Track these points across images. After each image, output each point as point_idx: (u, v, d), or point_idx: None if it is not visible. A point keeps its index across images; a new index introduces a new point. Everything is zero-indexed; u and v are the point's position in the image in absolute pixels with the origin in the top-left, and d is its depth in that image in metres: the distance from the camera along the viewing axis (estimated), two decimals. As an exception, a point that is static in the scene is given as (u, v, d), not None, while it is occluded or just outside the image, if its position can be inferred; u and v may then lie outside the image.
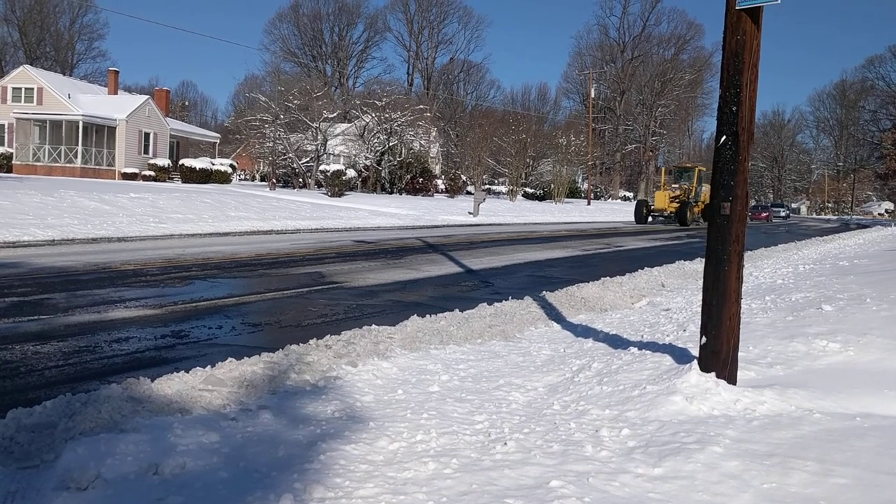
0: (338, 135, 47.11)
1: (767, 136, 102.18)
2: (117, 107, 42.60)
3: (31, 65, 48.10)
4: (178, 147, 48.56)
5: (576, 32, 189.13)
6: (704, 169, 39.40)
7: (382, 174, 46.72)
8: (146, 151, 43.66)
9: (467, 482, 2.94)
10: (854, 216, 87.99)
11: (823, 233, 31.46)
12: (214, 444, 3.23)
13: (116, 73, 47.67)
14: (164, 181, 39.52)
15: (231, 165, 44.30)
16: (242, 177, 62.60)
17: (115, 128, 41.66)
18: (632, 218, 38.25)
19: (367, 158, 45.17)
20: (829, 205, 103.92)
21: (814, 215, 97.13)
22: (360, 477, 2.97)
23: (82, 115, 39.51)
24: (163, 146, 45.39)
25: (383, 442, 3.37)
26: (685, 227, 33.43)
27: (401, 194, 45.00)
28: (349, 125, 49.29)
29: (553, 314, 7.19)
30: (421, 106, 51.00)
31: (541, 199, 57.75)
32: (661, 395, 3.89)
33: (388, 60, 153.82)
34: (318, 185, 40.37)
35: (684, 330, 5.82)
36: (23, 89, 41.16)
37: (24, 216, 15.68)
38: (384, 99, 44.79)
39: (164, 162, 42.48)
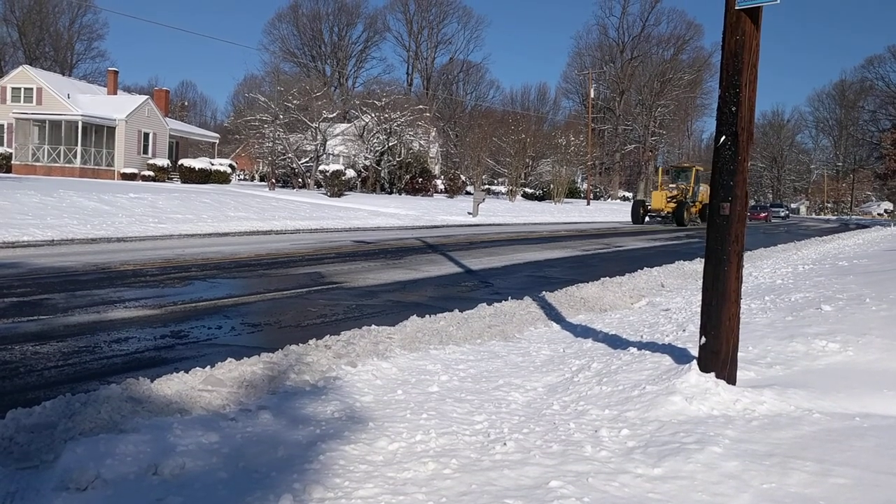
0: (337, 135, 47.11)
1: (767, 136, 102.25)
2: (117, 107, 42.60)
3: (31, 65, 48.10)
4: (178, 147, 48.56)
5: (575, 32, 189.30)
6: (702, 169, 39.26)
7: (382, 174, 46.72)
8: (145, 151, 43.66)
9: (467, 482, 2.93)
10: (853, 216, 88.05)
11: (823, 233, 31.47)
12: (214, 445, 3.22)
13: (116, 73, 47.66)
14: (164, 181, 39.51)
15: (230, 165, 44.30)
16: (242, 177, 62.61)
17: (114, 128, 41.66)
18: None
19: (366, 158, 45.17)
20: (829, 205, 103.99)
21: (813, 215, 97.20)
22: (360, 477, 2.97)
23: (81, 116, 39.51)
24: (162, 146, 45.39)
25: (383, 442, 3.37)
26: (684, 228, 33.38)
27: (400, 194, 45.00)
28: (349, 125, 49.30)
29: (552, 314, 7.19)
30: (420, 106, 51.02)
31: (540, 199, 57.77)
32: (660, 396, 3.89)
33: (387, 60, 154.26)
34: (318, 185, 40.38)
35: (684, 330, 5.82)
36: (22, 89, 41.15)
37: (23, 216, 15.68)
38: (384, 99, 44.79)
39: (163, 162, 42.48)
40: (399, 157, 46.41)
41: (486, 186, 61.38)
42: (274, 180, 43.71)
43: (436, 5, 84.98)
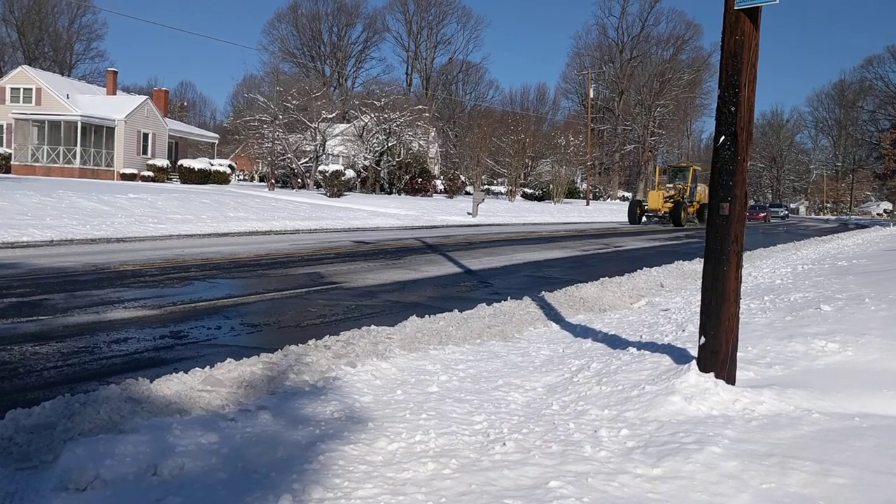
0: (336, 135, 47.13)
1: (766, 136, 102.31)
2: (116, 107, 42.60)
3: (30, 65, 48.09)
4: (177, 147, 48.56)
5: (574, 33, 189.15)
6: (700, 168, 39.13)
7: (381, 174, 46.73)
8: (145, 152, 43.66)
9: (466, 483, 2.93)
10: (853, 216, 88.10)
11: (822, 233, 31.48)
12: (213, 445, 3.22)
13: (115, 73, 47.67)
14: (163, 182, 39.52)
15: (230, 166, 44.30)
16: (241, 177, 62.62)
17: (113, 128, 41.66)
18: None
19: (365, 159, 45.17)
20: (828, 205, 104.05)
21: (812, 215, 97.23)
22: (359, 477, 2.97)
23: (81, 116, 39.50)
24: (161, 147, 45.38)
25: (382, 442, 3.37)
26: (682, 228, 33.30)
27: (400, 195, 45.01)
28: (348, 125, 49.32)
29: (552, 314, 7.19)
30: (420, 106, 51.04)
31: (540, 199, 57.77)
32: (659, 396, 3.89)
33: (386, 61, 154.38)
34: (317, 185, 40.39)
35: (683, 330, 5.82)
36: (21, 90, 41.15)
37: (22, 217, 15.67)
38: (383, 99, 44.80)
39: (162, 162, 42.48)
40: (398, 157, 46.42)
41: (486, 187, 61.40)
42: (273, 181, 43.72)
43: (435, 5, 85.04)
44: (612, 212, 48.60)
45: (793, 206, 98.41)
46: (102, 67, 66.40)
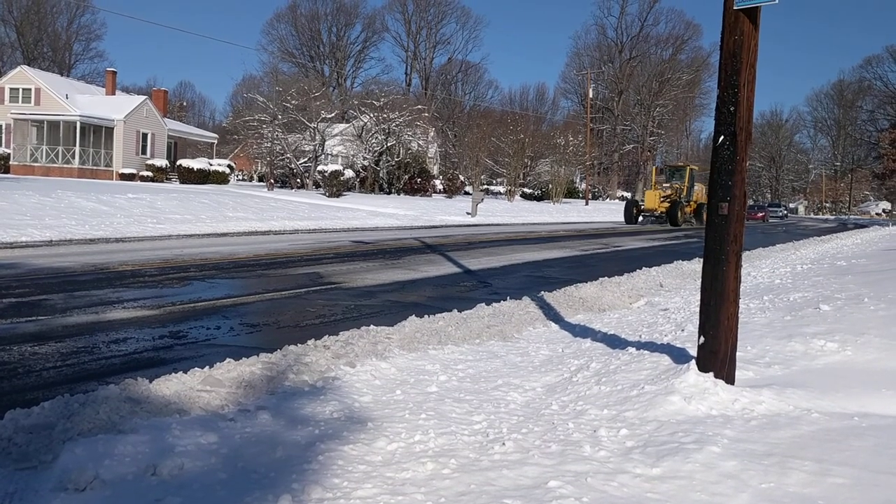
0: (336, 135, 47.12)
1: (765, 136, 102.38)
2: (115, 107, 42.58)
3: (29, 65, 48.06)
4: (176, 147, 48.54)
5: (574, 33, 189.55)
6: (697, 168, 38.98)
7: (380, 174, 46.72)
8: (144, 152, 43.64)
9: (465, 482, 2.93)
10: (851, 216, 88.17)
11: (821, 233, 31.50)
12: (213, 445, 3.22)
13: (114, 73, 47.66)
14: (162, 182, 39.51)
15: (229, 166, 44.30)
16: (240, 177, 62.60)
17: (112, 128, 41.64)
18: None
19: (364, 159, 45.17)
20: (827, 205, 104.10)
21: (811, 215, 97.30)
22: (359, 477, 2.97)
23: (80, 116, 39.48)
24: (160, 147, 45.37)
25: (381, 442, 3.37)
26: (681, 228, 33.22)
27: (399, 194, 45.01)
28: (347, 125, 49.31)
29: (551, 314, 7.19)
30: (419, 106, 51.04)
31: (539, 199, 57.78)
32: (659, 395, 3.89)
33: (385, 61, 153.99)
34: (316, 185, 40.39)
35: (682, 330, 5.82)
36: (20, 90, 41.13)
37: (21, 217, 15.66)
38: (382, 99, 44.79)
39: (161, 162, 42.46)
40: (397, 157, 46.42)
41: (485, 186, 61.40)
42: (272, 180, 43.71)
43: (434, 5, 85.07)
44: (612, 212, 48.59)
45: (792, 205, 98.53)
46: (101, 67, 66.49)
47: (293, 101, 42.27)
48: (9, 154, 39.80)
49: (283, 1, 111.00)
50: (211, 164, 41.79)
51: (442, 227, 25.87)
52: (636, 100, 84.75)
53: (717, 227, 4.12)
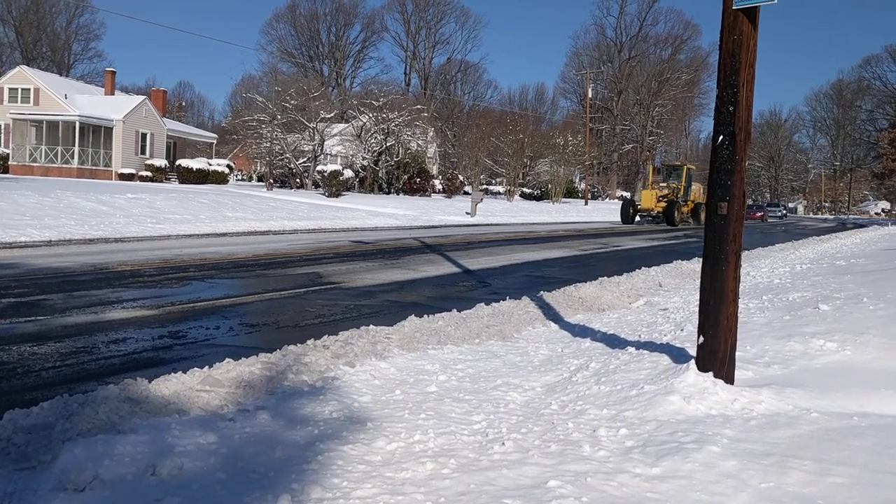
0: (335, 135, 47.12)
1: (764, 135, 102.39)
2: (114, 107, 42.55)
3: (28, 65, 48.02)
4: (175, 147, 48.52)
5: (573, 32, 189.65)
6: (694, 168, 38.84)
7: (380, 174, 46.71)
8: (143, 152, 43.62)
9: (465, 482, 2.93)
10: (851, 216, 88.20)
11: (820, 232, 31.51)
12: (212, 445, 3.22)
13: (113, 73, 47.64)
14: (161, 182, 39.49)
15: (228, 166, 44.28)
16: (239, 177, 62.59)
17: (111, 128, 41.62)
18: None
19: (364, 159, 45.16)
20: (826, 204, 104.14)
21: (811, 215, 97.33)
22: (358, 477, 2.97)
23: (79, 116, 39.46)
24: (160, 147, 45.35)
25: (381, 442, 3.37)
26: (681, 227, 33.16)
27: (398, 194, 45.00)
28: (346, 125, 49.31)
29: (551, 314, 7.19)
30: (418, 106, 51.02)
31: (538, 199, 57.78)
32: (658, 395, 3.89)
33: (385, 60, 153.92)
34: (316, 185, 40.38)
35: (682, 329, 5.82)
36: (19, 90, 41.10)
37: (20, 217, 15.65)
38: (381, 99, 44.78)
39: (160, 162, 42.44)
40: (397, 157, 46.42)
41: (484, 186, 61.41)
42: (272, 180, 43.70)
43: (433, 5, 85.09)
44: (611, 211, 48.52)
45: (791, 205, 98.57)
46: (100, 67, 66.46)
47: (292, 101, 42.27)
48: (8, 154, 39.75)
49: (283, 1, 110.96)
50: (210, 164, 41.77)
51: (441, 226, 25.87)
52: (635, 99, 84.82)
53: (717, 227, 4.12)
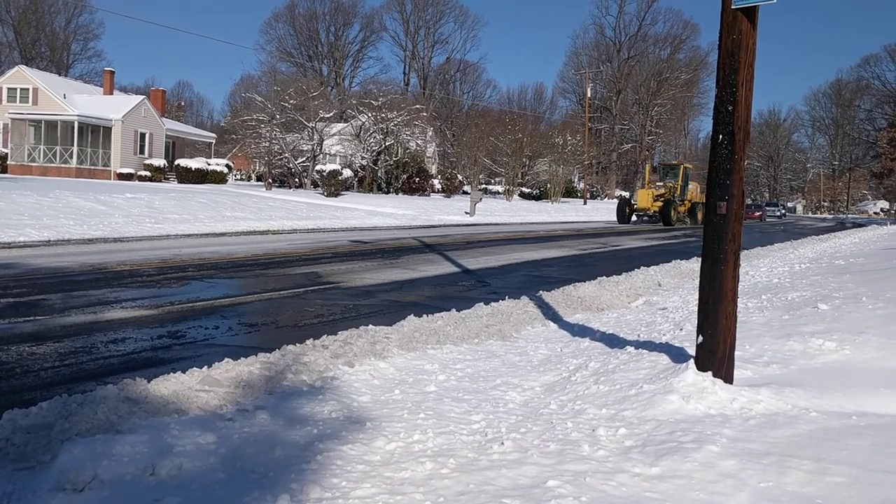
0: (334, 135, 47.08)
1: (763, 135, 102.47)
2: (113, 107, 42.52)
3: (27, 65, 48.00)
4: (174, 147, 48.49)
5: (572, 32, 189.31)
6: (690, 167, 38.71)
7: (379, 174, 46.70)
8: (142, 152, 43.59)
9: (464, 482, 2.93)
10: (850, 215, 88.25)
11: (819, 232, 31.53)
12: (211, 445, 3.22)
13: (112, 73, 47.60)
14: (160, 181, 39.47)
15: (227, 165, 44.25)
16: (238, 177, 62.55)
17: (110, 128, 41.59)
18: None
19: (363, 158, 45.15)
20: (825, 204, 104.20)
21: (810, 214, 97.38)
22: (357, 477, 2.97)
23: (78, 116, 39.43)
24: (158, 146, 45.32)
25: (380, 442, 3.37)
26: (678, 227, 33.11)
27: (397, 194, 44.98)
28: (345, 125, 49.29)
29: (550, 314, 7.19)
30: (417, 106, 51.00)
31: (537, 198, 57.78)
32: (657, 395, 3.89)
33: (384, 60, 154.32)
34: (315, 184, 40.34)
35: (681, 329, 5.82)
36: (18, 89, 41.07)
37: (19, 217, 15.64)
38: (380, 99, 44.76)
39: (159, 162, 42.42)
40: (396, 156, 46.40)
41: (483, 186, 61.37)
42: (271, 180, 43.67)
43: (432, 5, 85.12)
44: (610, 211, 48.40)
45: (790, 204, 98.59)
46: (99, 67, 66.50)
47: (291, 101, 42.25)
48: (6, 154, 39.73)
49: (282, 0, 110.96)
50: (209, 164, 41.73)
51: (440, 226, 25.87)
52: (634, 99, 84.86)
53: (716, 227, 4.12)
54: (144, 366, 4.96)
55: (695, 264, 11.29)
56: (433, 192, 49.80)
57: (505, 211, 38.31)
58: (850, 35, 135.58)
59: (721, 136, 4.08)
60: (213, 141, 53.53)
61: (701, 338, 4.16)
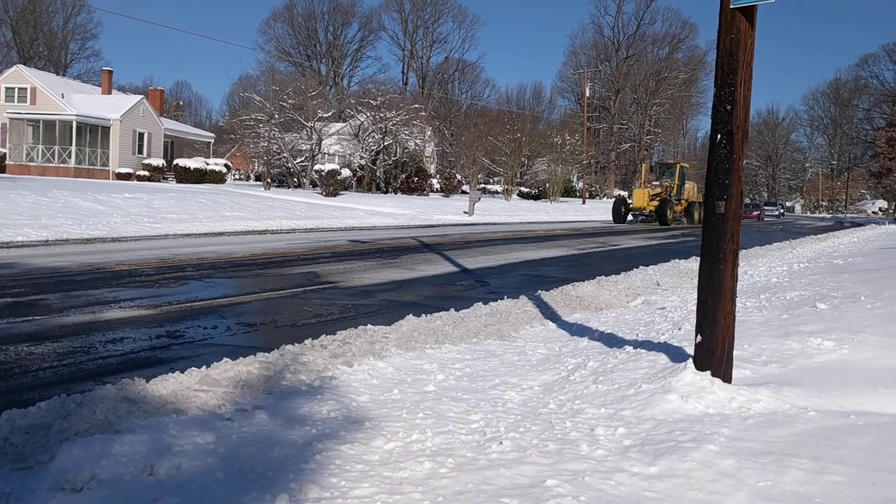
0: (332, 134, 47.07)
1: (762, 134, 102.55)
2: (111, 107, 42.48)
3: (25, 65, 47.96)
4: (173, 147, 48.45)
5: (570, 31, 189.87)
6: (687, 166, 38.59)
7: (377, 173, 46.67)
8: (140, 151, 43.56)
9: (463, 481, 2.93)
10: (848, 214, 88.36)
11: (818, 231, 31.56)
12: (210, 445, 3.22)
13: (110, 72, 47.58)
14: (159, 181, 39.44)
15: (226, 165, 44.22)
16: (237, 176, 62.52)
17: (109, 128, 41.55)
18: None
19: (361, 158, 45.12)
20: (824, 203, 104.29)
21: (808, 214, 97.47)
22: (356, 477, 2.97)
23: (76, 115, 39.39)
24: (157, 146, 45.28)
25: (379, 442, 3.37)
26: (677, 227, 33.08)
27: (396, 194, 44.97)
28: (344, 124, 49.28)
29: (548, 313, 7.19)
30: (416, 105, 50.98)
31: (536, 198, 57.78)
32: (656, 394, 3.89)
33: (382, 60, 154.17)
34: (313, 184, 40.31)
35: (679, 328, 5.83)
36: (16, 89, 41.04)
37: (17, 216, 15.63)
38: (379, 98, 44.74)
39: (158, 162, 42.38)
40: (395, 156, 46.37)
41: (482, 185, 61.36)
42: (269, 180, 43.64)
43: (431, 4, 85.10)
44: (608, 211, 48.17)
45: (788, 204, 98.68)
46: (98, 67, 66.37)
47: (290, 101, 42.22)
48: (5, 153, 39.68)
49: (280, 0, 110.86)
50: (207, 164, 41.69)
51: (439, 226, 25.87)
52: (633, 98, 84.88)
53: (714, 226, 4.12)
54: (143, 366, 4.96)
55: (693, 264, 11.30)
56: (432, 191, 49.79)
57: (503, 210, 38.31)
58: (848, 34, 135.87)
59: (719, 136, 4.09)
60: (212, 141, 53.51)
61: (699, 337, 4.16)
